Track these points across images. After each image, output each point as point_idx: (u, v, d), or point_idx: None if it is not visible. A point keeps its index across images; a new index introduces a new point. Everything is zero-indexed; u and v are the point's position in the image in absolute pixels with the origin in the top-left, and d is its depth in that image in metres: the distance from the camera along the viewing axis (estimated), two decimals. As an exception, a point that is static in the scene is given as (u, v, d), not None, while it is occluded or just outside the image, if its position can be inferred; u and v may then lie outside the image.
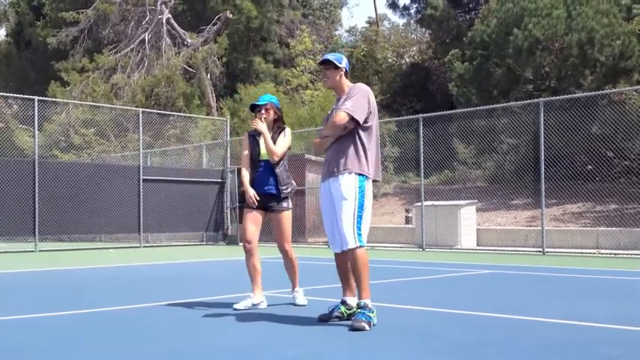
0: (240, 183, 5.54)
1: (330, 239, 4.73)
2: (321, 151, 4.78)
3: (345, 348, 3.81)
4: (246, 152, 5.44)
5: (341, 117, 4.52)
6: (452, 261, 10.91)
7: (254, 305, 5.32)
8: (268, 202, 5.34)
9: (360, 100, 4.58)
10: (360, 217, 4.51)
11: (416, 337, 4.11)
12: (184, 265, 10.75)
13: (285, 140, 5.39)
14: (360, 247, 4.48)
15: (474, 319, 4.79)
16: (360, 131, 4.59)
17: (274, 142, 5.34)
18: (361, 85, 4.73)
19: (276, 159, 5.31)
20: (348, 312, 4.67)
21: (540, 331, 4.29)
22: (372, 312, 4.43)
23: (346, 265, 4.69)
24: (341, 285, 4.78)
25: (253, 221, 5.34)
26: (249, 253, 5.37)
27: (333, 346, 3.87)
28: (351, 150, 4.57)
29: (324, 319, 4.63)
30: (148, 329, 4.51)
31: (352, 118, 4.51)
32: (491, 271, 8.86)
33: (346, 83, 4.78)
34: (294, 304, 5.45)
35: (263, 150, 5.35)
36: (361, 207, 4.53)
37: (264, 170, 5.35)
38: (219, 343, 4.00)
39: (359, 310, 4.45)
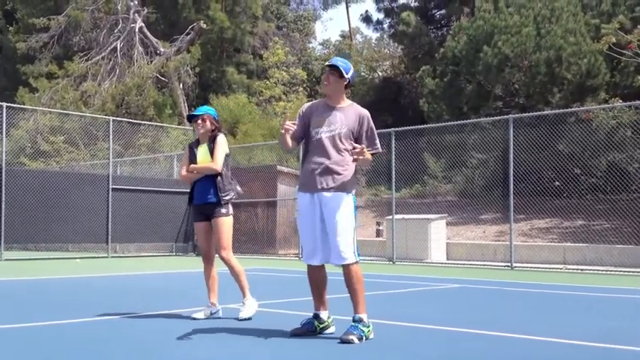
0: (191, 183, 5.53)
1: (309, 252, 4.63)
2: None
3: (315, 362, 3.80)
4: (184, 165, 5.54)
5: (370, 162, 4.69)
6: (422, 274, 10.97)
7: (212, 314, 5.40)
8: (209, 211, 5.39)
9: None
10: (354, 233, 4.58)
11: (386, 351, 4.12)
12: (152, 276, 10.63)
13: (219, 150, 5.42)
14: (357, 262, 4.54)
15: (443, 333, 4.82)
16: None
17: (211, 152, 5.41)
18: (367, 113, 4.72)
19: (218, 170, 5.38)
20: (321, 326, 4.66)
21: (510, 346, 4.33)
22: (368, 327, 4.49)
23: (321, 279, 4.69)
24: (313, 299, 4.77)
25: (203, 233, 5.46)
26: (205, 264, 5.52)
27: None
28: (349, 171, 4.60)
29: (297, 334, 4.61)
30: (104, 344, 4.44)
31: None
32: (460, 286, 8.93)
33: (343, 95, 4.73)
34: (237, 319, 5.29)
35: (200, 158, 5.43)
36: (355, 225, 4.61)
37: (204, 180, 5.41)
38: (185, 356, 3.96)
39: (352, 324, 4.47)
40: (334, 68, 4.64)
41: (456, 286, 8.92)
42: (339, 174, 4.55)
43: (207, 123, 5.49)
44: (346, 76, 4.62)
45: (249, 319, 5.28)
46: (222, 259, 5.36)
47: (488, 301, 7.30)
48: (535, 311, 6.28)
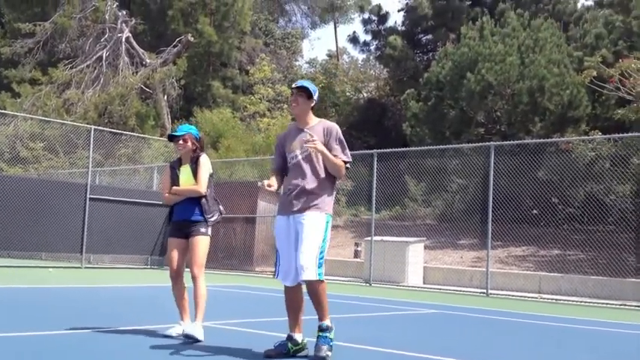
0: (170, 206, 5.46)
1: (284, 273, 4.65)
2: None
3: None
4: (165, 184, 5.48)
5: (344, 170, 4.72)
6: (398, 298, 10.95)
7: (184, 332, 5.23)
8: (189, 229, 5.31)
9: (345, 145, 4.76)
10: (322, 252, 4.57)
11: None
12: (125, 289, 10.50)
13: (203, 171, 5.36)
14: (319, 281, 4.54)
15: (416, 360, 4.79)
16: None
17: (194, 173, 5.35)
18: (337, 127, 4.78)
19: (202, 193, 5.31)
20: (295, 348, 4.63)
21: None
22: (331, 331, 4.59)
23: (297, 300, 4.68)
24: (288, 320, 4.73)
25: (177, 249, 5.34)
26: (174, 281, 5.38)
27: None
28: (324, 191, 4.66)
29: (270, 355, 4.56)
30: (71, 358, 4.36)
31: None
32: (436, 311, 8.92)
33: (311, 115, 4.82)
34: (186, 335, 5.14)
35: (183, 180, 5.37)
36: (324, 243, 4.60)
37: (187, 200, 5.34)
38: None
39: (320, 334, 4.54)
40: (302, 89, 4.72)
41: (431, 311, 8.90)
42: (314, 194, 4.61)
43: (189, 143, 5.41)
44: (314, 96, 4.75)
45: (198, 340, 5.04)
46: (193, 276, 5.22)
47: (464, 328, 7.29)
48: (509, 341, 6.27)
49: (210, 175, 5.42)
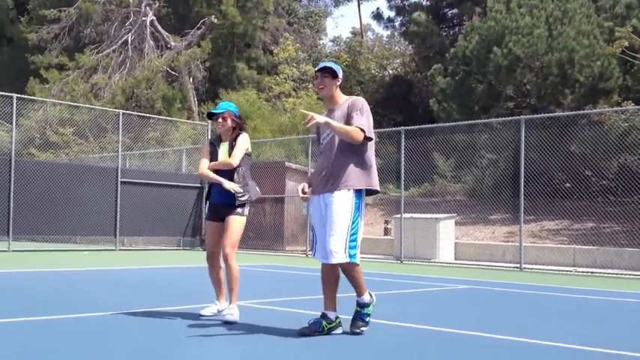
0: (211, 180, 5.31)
1: (320, 250, 4.64)
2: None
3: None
4: (204, 159, 5.37)
5: (359, 135, 4.52)
6: (430, 274, 10.91)
7: (219, 312, 5.27)
8: (225, 213, 5.24)
9: (369, 118, 4.63)
10: (354, 233, 4.52)
11: (392, 354, 4.07)
12: (159, 270, 10.62)
13: (238, 150, 5.28)
14: (351, 263, 4.52)
15: (453, 336, 4.77)
16: (364, 147, 4.63)
17: (232, 149, 5.29)
18: (363, 101, 4.70)
19: (234, 165, 5.22)
20: (329, 326, 4.63)
21: (519, 351, 4.28)
22: (370, 305, 4.65)
23: (331, 277, 4.67)
24: (323, 298, 4.73)
25: (213, 233, 5.32)
26: (210, 264, 5.40)
27: None
28: (352, 166, 4.58)
29: (304, 333, 4.57)
30: (108, 339, 4.41)
31: (365, 137, 4.55)
32: (469, 287, 8.87)
33: (339, 94, 4.77)
34: (222, 321, 5.08)
35: (221, 157, 5.29)
36: (357, 223, 4.54)
37: (224, 179, 5.25)
38: (193, 356, 3.93)
39: (357, 309, 4.63)
40: (327, 70, 4.68)
41: (464, 287, 8.86)
42: (340, 172, 4.57)
43: (228, 121, 5.33)
44: (339, 75, 4.70)
45: (235, 322, 5.02)
46: (225, 255, 5.15)
47: (498, 303, 7.24)
48: (544, 315, 6.21)
49: (248, 155, 5.35)
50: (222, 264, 5.30)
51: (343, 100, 4.74)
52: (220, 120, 5.33)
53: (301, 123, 24.56)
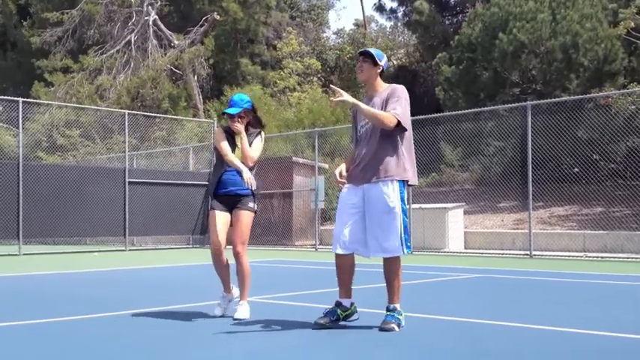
0: (230, 163, 5.06)
1: (342, 242, 4.55)
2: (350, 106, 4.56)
3: (334, 356, 3.76)
4: (224, 142, 5.15)
5: (391, 121, 4.44)
6: (440, 264, 10.89)
7: (230, 301, 5.23)
8: (235, 203, 5.12)
9: (407, 107, 4.57)
10: (405, 225, 4.52)
11: (407, 343, 4.07)
12: (170, 269, 10.65)
13: (260, 145, 5.23)
14: (397, 258, 4.53)
15: (466, 326, 4.76)
16: (401, 137, 4.57)
17: (250, 145, 5.17)
18: (403, 88, 4.64)
19: (251, 164, 5.12)
20: (344, 314, 4.63)
21: (534, 338, 4.26)
22: (401, 314, 4.55)
23: (348, 266, 4.64)
24: (338, 287, 4.71)
25: (223, 223, 5.11)
26: (217, 257, 5.16)
27: (324, 353, 3.82)
28: (392, 157, 4.53)
29: (320, 324, 4.56)
30: (121, 339, 4.42)
31: (398, 125, 4.48)
32: (480, 275, 8.85)
33: (380, 82, 4.69)
34: (232, 317, 4.99)
35: (239, 151, 5.15)
36: (405, 214, 4.54)
37: (235, 172, 5.09)
38: (208, 353, 3.93)
39: (388, 313, 4.52)
40: (367, 55, 4.63)
41: (475, 276, 8.84)
42: (382, 165, 4.51)
43: (244, 120, 5.19)
44: (380, 62, 4.63)
45: (244, 318, 4.95)
46: (237, 253, 5.05)
47: (510, 291, 7.22)
48: (557, 301, 6.19)
49: None
50: (230, 260, 5.22)
51: (384, 88, 4.67)
52: (237, 119, 5.15)
53: (309, 114, 24.53)
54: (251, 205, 5.11)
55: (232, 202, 5.13)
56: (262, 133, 5.31)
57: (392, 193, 4.48)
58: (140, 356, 3.80)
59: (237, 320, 4.92)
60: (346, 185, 4.67)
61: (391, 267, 4.55)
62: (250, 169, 5.10)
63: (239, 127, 5.15)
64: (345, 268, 4.66)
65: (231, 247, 5.16)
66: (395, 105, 4.50)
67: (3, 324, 4.92)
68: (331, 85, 4.71)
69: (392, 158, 4.51)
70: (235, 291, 5.27)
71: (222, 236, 5.11)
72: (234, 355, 3.80)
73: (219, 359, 3.70)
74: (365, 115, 4.52)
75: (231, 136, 5.21)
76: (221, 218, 5.10)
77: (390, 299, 4.57)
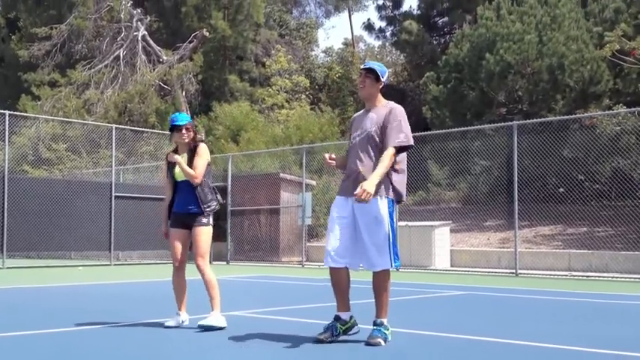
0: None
1: (338, 255, 4.56)
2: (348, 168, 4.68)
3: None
4: (166, 179, 5.55)
5: (391, 159, 4.50)
6: (426, 281, 10.91)
7: (183, 322, 5.35)
8: (190, 221, 5.34)
9: (407, 125, 4.61)
10: (394, 238, 4.55)
11: (393, 358, 4.06)
12: (154, 284, 10.58)
13: (201, 160, 5.35)
14: (387, 271, 4.55)
15: (451, 341, 4.76)
16: (397, 156, 4.59)
17: (192, 163, 5.33)
18: (401, 110, 4.69)
19: (197, 181, 5.30)
20: (344, 327, 4.63)
21: (518, 354, 4.27)
22: (388, 330, 4.54)
23: (344, 280, 4.65)
24: (335, 301, 4.70)
25: (178, 240, 5.40)
26: (176, 272, 5.47)
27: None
28: (388, 174, 4.55)
29: (321, 340, 4.52)
30: (104, 353, 4.39)
31: (404, 147, 4.56)
32: (465, 293, 8.87)
33: (380, 98, 4.76)
34: (205, 327, 5.09)
35: (177, 170, 5.37)
36: (394, 230, 4.56)
37: (185, 190, 5.36)
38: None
39: (375, 327, 4.52)
40: (370, 71, 4.68)
41: (461, 293, 8.86)
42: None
43: (191, 132, 5.43)
44: (382, 79, 4.69)
45: (215, 328, 5.06)
46: (198, 267, 5.28)
47: (495, 308, 7.24)
48: (542, 318, 6.21)
49: (208, 164, 5.42)
50: (195, 276, 5.39)
51: (383, 104, 4.73)
52: (184, 131, 5.38)
53: (297, 130, 24.60)
54: (204, 220, 5.33)
55: (186, 220, 5.36)
56: (199, 146, 5.41)
57: (382, 207, 4.51)
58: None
59: (209, 330, 5.01)
60: (337, 197, 4.71)
61: (380, 281, 4.56)
62: (198, 186, 5.31)
63: (172, 156, 5.38)
64: (340, 282, 4.66)
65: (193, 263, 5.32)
66: (397, 134, 4.54)
67: (-15, 336, 4.86)
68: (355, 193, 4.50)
69: (385, 176, 4.53)
70: (184, 316, 5.41)
71: (179, 253, 5.41)
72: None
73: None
74: (391, 165, 4.53)
75: (170, 162, 5.45)
76: (177, 236, 5.42)
77: (377, 314, 4.58)
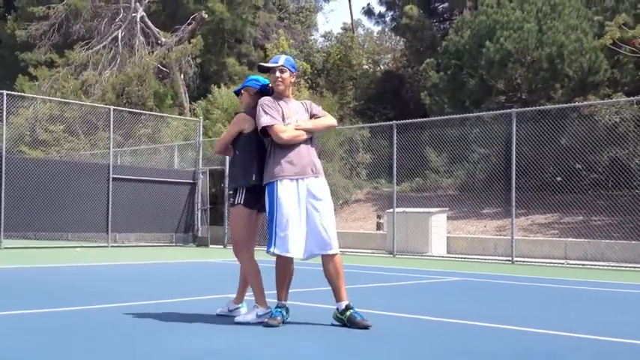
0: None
1: (295, 243, 4.50)
2: (287, 141, 4.60)
3: (316, 351, 3.78)
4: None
5: (334, 122, 4.86)
6: (422, 267, 10.96)
7: (230, 311, 4.96)
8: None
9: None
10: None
11: (389, 341, 4.10)
12: (151, 266, 10.61)
13: (228, 129, 4.90)
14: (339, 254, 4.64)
15: (445, 326, 4.80)
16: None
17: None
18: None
19: (214, 150, 5.09)
20: (288, 316, 4.67)
21: (511, 339, 4.31)
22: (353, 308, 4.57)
23: (292, 270, 4.69)
24: (279, 292, 4.65)
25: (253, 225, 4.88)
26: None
27: (308, 349, 3.85)
28: (316, 154, 4.75)
29: (269, 324, 4.50)
30: (100, 332, 4.42)
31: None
32: (461, 279, 8.92)
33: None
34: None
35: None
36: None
37: (230, 166, 5.05)
38: (194, 345, 3.94)
39: (354, 311, 4.50)
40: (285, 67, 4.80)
41: (456, 279, 8.90)
42: (317, 159, 4.77)
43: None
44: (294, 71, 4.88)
45: (245, 323, 4.63)
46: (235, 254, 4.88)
47: (490, 293, 7.28)
48: (537, 304, 6.26)
49: (241, 132, 4.79)
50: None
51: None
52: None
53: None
54: (231, 200, 4.85)
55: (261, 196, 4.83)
56: (237, 115, 4.92)
57: (326, 186, 4.69)
58: (120, 349, 3.79)
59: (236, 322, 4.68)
60: (281, 180, 4.57)
61: (338, 264, 4.57)
62: (218, 153, 5.08)
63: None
64: (289, 272, 4.68)
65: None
66: (318, 109, 4.93)
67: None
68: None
69: (316, 156, 4.75)
70: (232, 305, 4.95)
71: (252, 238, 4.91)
72: (212, 348, 3.81)
73: (196, 352, 3.71)
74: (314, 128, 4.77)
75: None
76: (255, 218, 4.90)
77: (341, 296, 4.56)
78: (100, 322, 4.67)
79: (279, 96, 4.74)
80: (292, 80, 4.78)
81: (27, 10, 29.65)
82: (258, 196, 4.71)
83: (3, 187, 14.24)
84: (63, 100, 22.22)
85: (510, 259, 12.51)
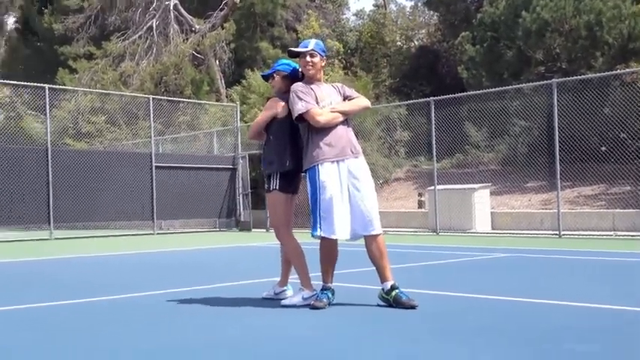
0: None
1: (340, 225, 4.53)
2: (324, 124, 4.61)
3: (357, 330, 3.81)
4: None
5: (368, 103, 4.93)
6: (467, 245, 10.90)
7: (276, 294, 5.02)
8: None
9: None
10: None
11: (437, 320, 4.10)
12: (197, 252, 10.79)
13: (261, 114, 4.92)
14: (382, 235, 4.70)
15: (493, 303, 4.79)
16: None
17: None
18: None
19: (248, 136, 5.11)
20: (334, 297, 4.70)
21: (564, 315, 4.28)
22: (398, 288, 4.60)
23: (334, 252, 4.66)
24: (326, 274, 4.69)
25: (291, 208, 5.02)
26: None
27: (351, 330, 3.88)
28: (353, 134, 4.82)
29: (317, 307, 4.53)
30: (178, 315, 4.52)
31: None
32: (507, 255, 8.85)
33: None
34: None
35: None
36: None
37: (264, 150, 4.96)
38: (242, 326, 4.01)
39: (399, 291, 4.52)
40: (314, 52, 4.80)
41: (503, 255, 8.84)
42: (354, 139, 4.79)
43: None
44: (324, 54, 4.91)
45: (286, 306, 4.66)
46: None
47: (539, 269, 7.22)
48: (588, 279, 6.18)
49: (275, 117, 4.79)
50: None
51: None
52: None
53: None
54: (266, 186, 4.89)
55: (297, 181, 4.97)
56: (270, 99, 4.92)
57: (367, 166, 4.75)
58: (171, 334, 3.88)
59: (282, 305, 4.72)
60: (325, 163, 4.59)
61: (381, 244, 4.60)
62: (251, 138, 5.16)
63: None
64: (335, 254, 4.70)
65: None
66: (351, 92, 4.97)
67: (43, 304, 5.05)
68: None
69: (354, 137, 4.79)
70: (277, 289, 5.03)
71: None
72: (248, 331, 3.87)
73: (249, 330, 3.78)
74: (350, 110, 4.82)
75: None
76: (291, 201, 5.02)
77: (387, 276, 4.57)
78: (148, 307, 4.77)
79: (310, 80, 4.76)
80: (323, 64, 4.82)
81: (62, 4, 30.08)
82: (292, 179, 4.82)
83: (50, 179, 14.60)
84: (103, 91, 22.59)
85: (557, 232, 12.35)
